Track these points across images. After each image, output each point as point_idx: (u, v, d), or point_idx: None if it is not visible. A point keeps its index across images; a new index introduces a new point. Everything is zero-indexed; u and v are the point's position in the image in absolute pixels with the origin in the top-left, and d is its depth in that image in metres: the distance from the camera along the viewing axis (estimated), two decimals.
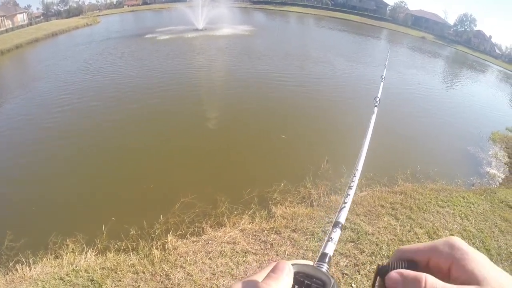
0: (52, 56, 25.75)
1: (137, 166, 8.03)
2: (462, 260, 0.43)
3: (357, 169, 1.22)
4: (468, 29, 59.03)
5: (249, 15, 53.09)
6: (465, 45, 54.46)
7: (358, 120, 8.62)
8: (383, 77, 2.84)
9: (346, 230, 4.82)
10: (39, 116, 12.05)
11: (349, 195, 1.01)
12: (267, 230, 4.71)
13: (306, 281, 0.50)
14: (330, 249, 0.70)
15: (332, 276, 0.54)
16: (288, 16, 56.83)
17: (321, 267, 0.61)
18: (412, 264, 0.50)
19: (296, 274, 0.50)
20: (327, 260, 0.66)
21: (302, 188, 5.97)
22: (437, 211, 5.54)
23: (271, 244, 4.45)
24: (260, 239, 4.56)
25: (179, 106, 11.67)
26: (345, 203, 0.96)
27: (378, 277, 0.56)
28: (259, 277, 0.46)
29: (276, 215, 5.09)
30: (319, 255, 0.66)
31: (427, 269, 0.47)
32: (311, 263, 0.58)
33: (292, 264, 0.51)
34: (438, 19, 63.65)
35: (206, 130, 9.66)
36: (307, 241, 4.55)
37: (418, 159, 8.12)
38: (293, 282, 0.49)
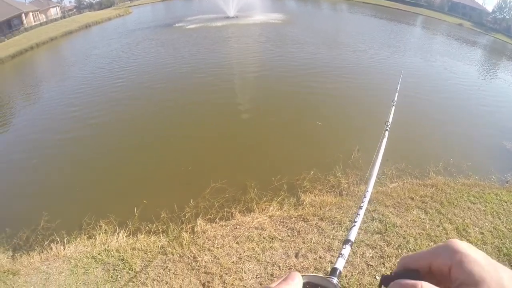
0: (92, 44, 27.15)
1: (169, 151, 8.28)
2: (461, 262, 0.43)
3: (367, 191, 1.34)
4: (507, 16, 55.66)
5: (280, 1, 52.29)
6: (504, 33, 51.36)
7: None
8: (394, 101, 2.83)
9: (374, 221, 4.77)
10: (79, 99, 12.78)
11: (359, 214, 1.12)
12: (295, 217, 4.73)
13: None
14: (340, 264, 0.81)
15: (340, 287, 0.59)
16: (320, 2, 55.34)
17: (332, 280, 0.67)
18: (414, 272, 0.52)
19: (306, 284, 0.55)
20: (337, 274, 0.75)
21: (332, 177, 5.91)
22: (468, 207, 5.34)
23: (298, 232, 4.48)
24: (287, 226, 4.60)
25: (212, 94, 11.76)
26: (355, 222, 1.06)
27: (382, 286, 0.61)
28: (272, 285, 0.50)
29: (304, 203, 5.09)
30: (330, 269, 0.74)
31: (430, 274, 0.48)
32: (322, 276, 0.62)
33: (303, 275, 0.55)
34: (475, 5, 60.34)
35: (239, 116, 9.74)
36: (334, 230, 4.54)
37: (451, 152, 7.79)
38: None
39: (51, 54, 29.21)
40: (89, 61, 20.17)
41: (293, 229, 4.53)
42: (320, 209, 4.86)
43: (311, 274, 0.58)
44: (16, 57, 27.66)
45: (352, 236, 0.98)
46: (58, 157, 9.09)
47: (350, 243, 0.94)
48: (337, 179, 5.84)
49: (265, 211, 5.07)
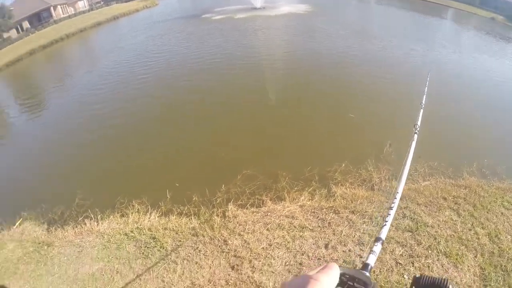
0: (119, 36, 28.19)
1: (202, 136, 8.43)
2: None
3: (398, 192, 1.42)
4: None
5: None
6: None
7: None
8: (422, 104, 2.82)
9: (405, 218, 4.68)
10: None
11: (389, 214, 1.20)
12: (326, 209, 4.72)
13: (349, 282, 0.59)
14: (371, 260, 0.87)
15: (374, 281, 0.62)
16: None
17: (365, 273, 0.72)
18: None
19: (342, 275, 0.59)
20: (368, 269, 0.81)
21: (364, 171, 5.80)
22: (502, 213, 5.09)
23: (329, 223, 4.47)
24: (318, 217, 4.60)
25: (243, 86, 11.75)
26: (386, 221, 1.15)
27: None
28: (311, 273, 0.55)
29: (336, 195, 5.05)
30: (362, 265, 0.79)
31: None
32: (357, 269, 0.67)
33: (339, 267, 0.58)
34: None
35: (270, 107, 9.71)
36: (364, 224, 4.50)
37: (486, 153, 7.43)
38: (338, 282, 0.57)
39: (80, 45, 30.34)
40: (115, 54, 20.67)
41: (324, 220, 4.53)
42: (352, 202, 4.82)
43: (347, 267, 0.63)
44: (47, 48, 28.86)
45: (383, 235, 1.06)
46: (94, 138, 9.47)
47: (381, 241, 1.01)
48: (369, 173, 5.73)
49: (296, 200, 5.06)
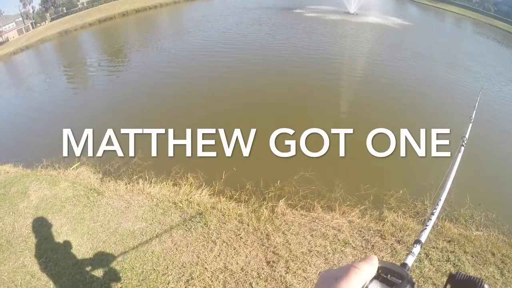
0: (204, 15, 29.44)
1: (272, 129, 8.36)
2: None
3: (440, 199, 1.50)
4: None
5: (402, 6, 48.14)
6: None
7: None
8: (472, 118, 2.92)
9: (449, 262, 4.52)
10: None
11: (430, 219, 1.29)
12: (373, 231, 4.66)
13: (385, 274, 0.62)
14: (409, 260, 0.92)
15: (410, 275, 0.65)
16: (444, 15, 48.61)
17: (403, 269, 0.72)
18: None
19: (380, 268, 0.62)
20: (406, 268, 0.85)
21: (420, 203, 5.54)
22: None
23: (372, 245, 4.42)
24: (363, 237, 4.57)
25: (316, 90, 11.54)
26: (427, 225, 1.22)
27: (448, 285, 0.70)
28: (355, 263, 0.59)
29: (386, 220, 4.97)
30: (400, 264, 0.81)
31: None
32: (396, 264, 0.69)
33: (379, 261, 0.62)
34: None
35: (342, 118, 9.55)
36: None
37: None
38: (376, 275, 0.60)
39: (169, 16, 32.16)
40: (195, 36, 21.85)
41: (368, 241, 4.49)
42: (400, 232, 4.70)
43: (386, 261, 0.65)
44: (140, 12, 31.08)
45: (423, 237, 1.11)
46: (169, 107, 10.32)
47: (420, 244, 1.05)
48: (424, 207, 5.50)
49: (346, 214, 5.04)
